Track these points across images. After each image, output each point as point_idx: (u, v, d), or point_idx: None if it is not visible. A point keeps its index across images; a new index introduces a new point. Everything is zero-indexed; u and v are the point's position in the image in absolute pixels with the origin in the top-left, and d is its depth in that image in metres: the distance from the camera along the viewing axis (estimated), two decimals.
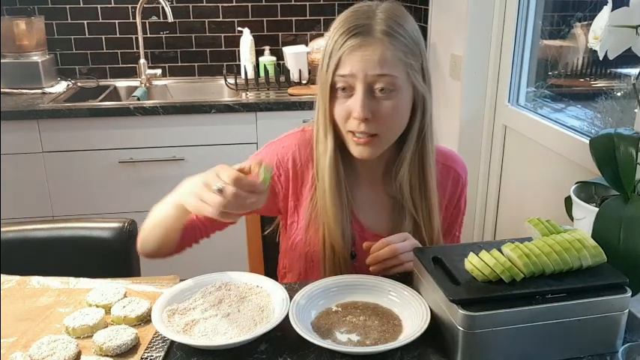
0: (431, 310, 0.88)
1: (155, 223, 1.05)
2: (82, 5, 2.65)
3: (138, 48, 2.67)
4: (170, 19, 2.48)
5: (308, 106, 2.29)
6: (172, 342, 0.86)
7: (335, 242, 1.09)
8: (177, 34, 2.76)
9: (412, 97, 1.04)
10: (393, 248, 1.01)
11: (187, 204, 0.91)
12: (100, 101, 2.42)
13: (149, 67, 2.69)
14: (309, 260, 1.14)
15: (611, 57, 0.92)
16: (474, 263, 0.83)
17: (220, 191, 0.84)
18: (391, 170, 1.12)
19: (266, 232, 1.31)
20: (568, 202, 1.08)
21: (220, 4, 2.74)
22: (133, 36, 2.69)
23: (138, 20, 2.60)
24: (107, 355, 0.83)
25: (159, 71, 2.70)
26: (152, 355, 0.84)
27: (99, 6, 2.66)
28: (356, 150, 1.05)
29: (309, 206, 1.12)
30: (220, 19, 2.76)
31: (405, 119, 1.05)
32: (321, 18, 2.81)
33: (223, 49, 2.81)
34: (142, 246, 1.10)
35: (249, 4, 2.76)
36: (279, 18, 2.80)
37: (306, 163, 1.13)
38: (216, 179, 0.85)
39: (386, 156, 1.11)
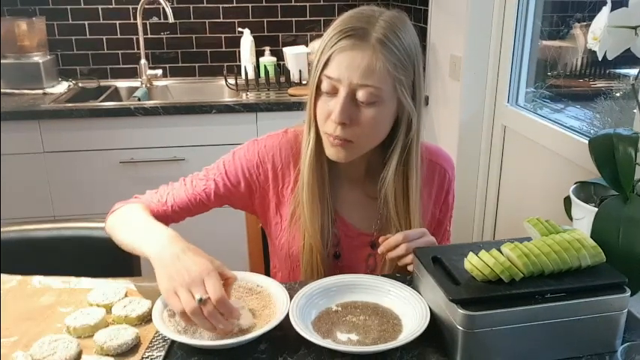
0: (430, 309, 0.88)
1: (125, 238, 1.02)
2: (83, 6, 2.65)
3: (139, 48, 2.67)
4: (171, 19, 2.48)
5: None
6: (173, 342, 0.87)
7: (313, 240, 1.09)
8: (178, 35, 2.76)
9: (396, 111, 1.03)
10: (404, 234, 1.02)
11: (160, 286, 0.87)
12: (101, 102, 2.42)
13: (150, 68, 2.69)
14: (294, 260, 1.14)
15: (610, 57, 0.92)
16: (474, 263, 0.83)
17: (201, 301, 0.81)
18: (373, 173, 1.12)
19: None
20: (567, 202, 1.08)
21: (221, 5, 2.74)
22: (134, 36, 2.70)
23: (139, 21, 2.61)
24: (108, 355, 0.84)
25: (159, 72, 2.70)
26: (153, 355, 0.84)
27: (100, 7, 2.66)
28: (330, 151, 1.05)
29: (291, 206, 1.12)
30: (221, 20, 2.76)
31: (384, 131, 1.04)
32: (321, 19, 2.81)
33: (224, 49, 2.81)
34: (108, 232, 1.08)
35: (250, 5, 2.76)
36: (279, 19, 2.81)
37: (287, 165, 1.13)
38: (200, 286, 0.82)
39: (367, 159, 1.11)
